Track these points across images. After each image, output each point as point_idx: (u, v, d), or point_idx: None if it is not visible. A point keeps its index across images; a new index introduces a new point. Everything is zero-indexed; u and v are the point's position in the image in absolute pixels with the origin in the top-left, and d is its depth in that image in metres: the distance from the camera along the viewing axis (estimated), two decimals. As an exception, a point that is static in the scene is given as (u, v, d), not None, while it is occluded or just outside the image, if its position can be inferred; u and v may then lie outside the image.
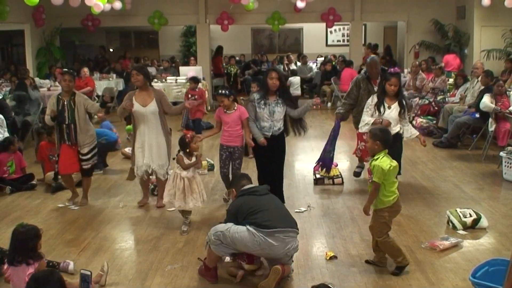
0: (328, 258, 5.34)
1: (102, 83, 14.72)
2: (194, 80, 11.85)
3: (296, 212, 6.64)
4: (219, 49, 18.57)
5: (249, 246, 4.69)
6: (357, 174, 8.17)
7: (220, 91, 6.93)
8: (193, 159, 6.20)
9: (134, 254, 5.59)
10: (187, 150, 6.15)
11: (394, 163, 4.94)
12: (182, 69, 14.96)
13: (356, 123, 7.67)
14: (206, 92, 14.64)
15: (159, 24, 16.70)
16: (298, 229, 4.91)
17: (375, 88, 7.44)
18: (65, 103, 6.83)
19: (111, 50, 21.46)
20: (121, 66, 17.26)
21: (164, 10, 16.51)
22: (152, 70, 16.25)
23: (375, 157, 4.93)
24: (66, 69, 7.33)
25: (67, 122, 6.82)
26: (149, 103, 6.78)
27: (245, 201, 4.94)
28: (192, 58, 17.28)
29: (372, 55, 8.08)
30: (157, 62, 18.67)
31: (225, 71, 17.86)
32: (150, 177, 7.16)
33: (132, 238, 6.05)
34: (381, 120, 6.73)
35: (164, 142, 6.89)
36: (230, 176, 6.84)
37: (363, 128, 6.95)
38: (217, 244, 4.76)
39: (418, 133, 7.16)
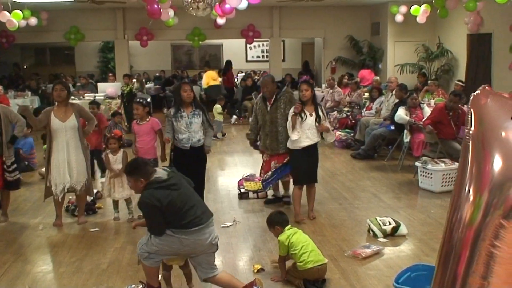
0: (255, 271, 5.38)
1: (17, 101, 14.22)
2: (94, 103, 9.85)
3: (222, 227, 6.66)
4: (229, 63, 18.32)
5: (175, 248, 4.53)
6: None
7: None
8: (119, 154, 6.98)
9: (57, 277, 5.42)
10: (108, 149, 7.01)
11: (295, 233, 5.17)
12: (101, 85, 14.71)
13: (264, 146, 7.34)
14: (122, 109, 14.48)
15: (75, 40, 16.38)
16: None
17: (269, 108, 7.14)
18: None
19: (24, 67, 20.77)
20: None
21: (81, 26, 16.22)
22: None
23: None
24: None
25: None
26: (68, 118, 6.65)
27: (171, 200, 4.41)
28: (110, 74, 17.03)
29: (266, 74, 8.10)
30: (73, 78, 18.24)
31: (121, 92, 15.11)
32: (70, 197, 7.00)
33: (54, 261, 5.86)
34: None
35: (83, 158, 6.78)
36: None
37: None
38: (145, 257, 4.61)
39: (332, 132, 7.26)
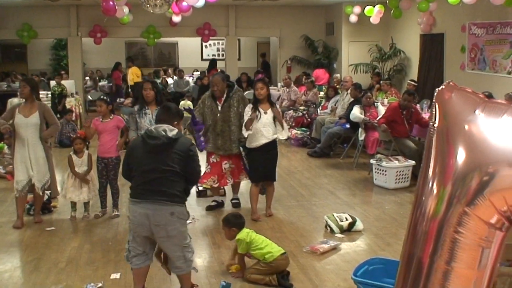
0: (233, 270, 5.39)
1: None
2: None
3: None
4: (213, 62, 18.07)
5: (130, 220, 4.51)
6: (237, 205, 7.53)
7: (101, 96, 7.35)
8: (84, 156, 6.96)
9: (15, 276, 5.32)
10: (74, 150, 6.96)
11: (252, 232, 5.31)
12: (53, 83, 14.39)
13: (215, 147, 7.11)
14: (80, 107, 14.26)
15: (28, 37, 16.02)
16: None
17: (219, 107, 6.98)
18: None
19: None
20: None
21: (33, 23, 15.86)
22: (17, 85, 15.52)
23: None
24: None
25: None
26: (32, 114, 6.60)
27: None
28: (63, 72, 16.73)
29: (216, 73, 7.93)
30: (24, 76, 17.80)
31: (52, 92, 14.25)
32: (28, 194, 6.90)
33: (11, 260, 5.74)
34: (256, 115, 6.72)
35: (43, 156, 6.70)
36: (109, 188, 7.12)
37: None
38: (129, 256, 4.61)
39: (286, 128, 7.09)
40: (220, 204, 7.44)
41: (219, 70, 18.39)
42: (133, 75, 16.43)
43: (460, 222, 2.08)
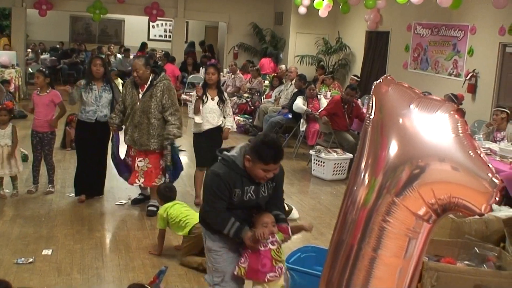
0: None
1: None
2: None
3: (117, 204, 6.64)
4: (143, 44, 17.75)
5: None
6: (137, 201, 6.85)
7: (39, 69, 7.09)
8: (8, 128, 6.58)
9: None
10: None
11: (174, 205, 5.35)
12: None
13: (131, 140, 6.37)
14: (20, 79, 13.85)
15: (-32, 4, 15.41)
16: None
17: (141, 95, 6.23)
18: None
19: None
20: None
21: (-25, -10, 15.28)
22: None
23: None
24: None
25: None
26: None
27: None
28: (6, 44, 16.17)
29: (138, 56, 7.52)
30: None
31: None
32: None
33: None
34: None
35: None
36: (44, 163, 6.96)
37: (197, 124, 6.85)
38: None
39: (232, 127, 6.99)
40: (147, 197, 6.77)
41: (162, 51, 18.26)
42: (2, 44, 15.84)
43: (389, 212, 2.16)
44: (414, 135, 2.18)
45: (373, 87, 2.41)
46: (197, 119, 6.68)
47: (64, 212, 6.39)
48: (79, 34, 21.26)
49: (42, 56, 18.28)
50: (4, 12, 18.81)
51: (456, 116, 2.20)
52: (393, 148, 2.19)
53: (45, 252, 5.21)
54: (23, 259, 4.99)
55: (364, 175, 2.27)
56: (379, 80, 2.41)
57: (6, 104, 6.90)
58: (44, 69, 7.02)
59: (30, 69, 16.09)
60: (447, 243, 4.11)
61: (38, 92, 6.81)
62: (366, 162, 2.28)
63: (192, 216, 5.16)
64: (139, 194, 6.85)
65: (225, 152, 3.59)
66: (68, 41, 20.65)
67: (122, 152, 6.66)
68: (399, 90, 2.32)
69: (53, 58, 18.27)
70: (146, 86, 6.23)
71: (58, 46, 19.45)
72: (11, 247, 5.26)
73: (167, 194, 5.49)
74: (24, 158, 8.04)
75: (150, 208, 6.45)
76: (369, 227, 2.19)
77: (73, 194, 6.82)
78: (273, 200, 3.76)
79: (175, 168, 6.51)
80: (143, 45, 18.43)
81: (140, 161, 6.36)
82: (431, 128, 2.18)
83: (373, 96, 2.36)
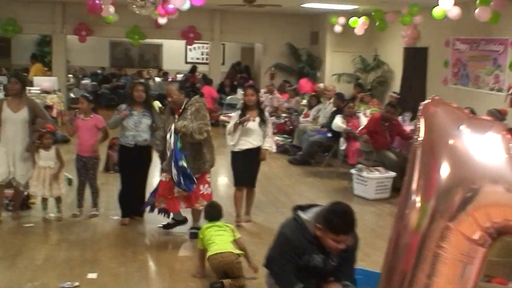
0: None
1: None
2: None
3: (159, 226, 6.67)
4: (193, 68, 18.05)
5: None
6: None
7: (83, 94, 7.23)
8: (52, 150, 6.69)
9: (-10, 272, 5.29)
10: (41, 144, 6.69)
11: (212, 226, 5.30)
12: (37, 79, 14.29)
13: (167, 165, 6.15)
14: (62, 104, 14.14)
15: (12, 32, 15.86)
16: None
17: (176, 121, 6.16)
18: None
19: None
20: None
21: (18, 18, 15.71)
22: (2, 79, 15.36)
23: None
24: None
25: None
26: (20, 109, 6.55)
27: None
28: (46, 68, 16.62)
29: (171, 81, 7.50)
30: (7, 71, 17.65)
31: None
32: (6, 190, 6.82)
33: (-13, 256, 5.72)
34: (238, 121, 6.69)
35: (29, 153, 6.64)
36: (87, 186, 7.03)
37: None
38: None
39: (271, 147, 6.97)
40: (180, 222, 6.62)
41: (199, 75, 18.47)
42: (37, 71, 16.11)
43: (443, 237, 2.11)
44: (465, 156, 2.14)
45: (420, 108, 2.38)
46: (229, 140, 6.75)
47: (108, 235, 6.46)
48: (118, 59, 21.66)
49: (83, 81, 18.68)
50: (45, 38, 19.32)
51: (508, 136, 2.15)
52: (445, 170, 2.15)
53: (90, 275, 5.26)
54: (68, 283, 5.03)
55: (415, 198, 2.23)
56: (427, 101, 2.38)
57: (49, 127, 7.04)
58: (88, 95, 7.16)
59: (71, 94, 16.44)
60: (498, 263, 4.01)
61: (81, 117, 6.93)
62: (417, 184, 2.24)
63: (218, 243, 5.08)
64: (171, 219, 6.66)
65: (299, 212, 3.48)
66: (109, 66, 21.06)
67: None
68: (448, 111, 2.28)
69: (94, 83, 18.65)
70: (180, 111, 6.23)
71: (99, 71, 19.89)
72: (57, 271, 5.33)
73: (209, 211, 5.48)
74: (69, 182, 8.18)
75: (192, 230, 6.43)
76: (423, 253, 2.14)
77: (117, 217, 6.90)
78: (342, 268, 3.60)
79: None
80: (194, 68, 18.63)
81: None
82: (483, 149, 2.14)
83: (421, 117, 2.33)
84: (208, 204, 5.75)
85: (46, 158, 6.71)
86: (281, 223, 3.48)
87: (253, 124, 6.72)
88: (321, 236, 3.33)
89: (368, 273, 4.56)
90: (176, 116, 6.23)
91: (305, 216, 3.44)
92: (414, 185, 2.25)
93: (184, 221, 6.59)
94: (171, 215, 6.54)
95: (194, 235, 6.29)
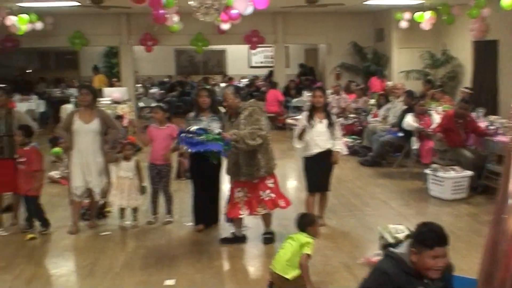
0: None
1: (23, 105, 14.18)
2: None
3: (233, 232, 6.65)
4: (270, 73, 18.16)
5: None
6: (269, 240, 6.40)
7: (158, 104, 7.22)
8: (132, 162, 6.84)
9: (70, 280, 5.41)
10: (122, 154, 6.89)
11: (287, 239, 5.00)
12: (107, 90, 14.67)
13: (227, 170, 6.28)
14: (133, 113, 14.43)
15: (80, 44, 16.38)
16: None
17: (232, 125, 6.08)
18: (1, 116, 6.76)
19: (28, 71, 20.67)
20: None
21: (85, 31, 16.22)
22: (73, 91, 15.88)
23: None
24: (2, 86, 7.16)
25: (1, 134, 6.70)
26: (92, 120, 6.69)
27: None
28: (115, 79, 17.05)
29: (228, 85, 7.38)
30: (77, 83, 18.23)
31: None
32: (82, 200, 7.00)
33: (67, 264, 5.86)
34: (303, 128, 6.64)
35: (102, 162, 6.78)
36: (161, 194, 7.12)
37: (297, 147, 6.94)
38: None
39: (342, 150, 6.81)
40: (239, 239, 6.43)
41: (270, 80, 18.49)
42: (100, 82, 16.42)
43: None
44: None
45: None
46: (296, 145, 6.70)
47: (183, 241, 6.50)
48: (184, 66, 22.02)
49: (151, 91, 19.05)
50: (112, 50, 19.84)
51: None
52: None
53: (167, 282, 5.29)
54: (147, 290, 5.10)
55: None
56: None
57: (130, 139, 7.17)
58: (162, 105, 7.26)
59: (140, 104, 16.78)
60: None
61: (156, 126, 7.01)
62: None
63: (276, 257, 4.90)
64: (231, 233, 6.47)
65: (392, 249, 3.45)
66: (175, 74, 21.41)
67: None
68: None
69: (162, 91, 18.99)
70: (235, 115, 6.13)
71: (166, 79, 20.24)
72: (135, 278, 5.39)
73: (296, 218, 5.10)
74: (143, 190, 8.29)
75: (265, 236, 6.39)
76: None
77: (191, 223, 6.94)
78: None
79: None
80: (270, 73, 18.71)
81: (239, 191, 6.17)
82: None
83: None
84: (300, 213, 5.37)
85: (126, 169, 6.86)
86: (375, 264, 3.46)
87: (321, 126, 6.62)
88: (418, 260, 3.28)
89: (453, 278, 4.37)
90: (233, 120, 6.12)
91: (398, 250, 3.40)
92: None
93: (243, 238, 6.43)
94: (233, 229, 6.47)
95: (267, 240, 6.29)
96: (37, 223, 6.75)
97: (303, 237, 4.85)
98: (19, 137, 6.48)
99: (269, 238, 6.35)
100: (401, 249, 3.40)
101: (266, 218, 6.37)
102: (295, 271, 4.74)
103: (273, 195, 6.17)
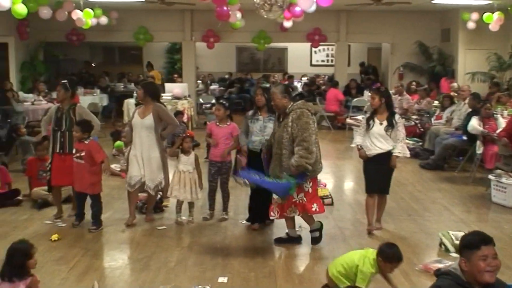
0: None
1: (86, 98, 14.54)
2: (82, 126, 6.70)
3: (286, 232, 6.60)
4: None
5: None
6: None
7: (221, 101, 7.25)
8: (191, 156, 6.85)
9: (125, 273, 5.46)
10: (180, 148, 6.85)
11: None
12: (168, 86, 14.87)
13: (271, 171, 6.05)
14: (192, 109, 14.56)
15: (144, 40, 16.66)
16: None
17: (278, 125, 6.01)
18: (64, 111, 6.92)
19: (93, 65, 21.18)
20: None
21: (149, 27, 16.50)
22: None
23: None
24: (63, 81, 7.28)
25: (62, 129, 6.83)
26: (146, 115, 6.78)
27: None
28: (176, 75, 17.27)
29: (276, 84, 7.31)
30: (142, 78, 18.52)
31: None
32: (140, 194, 7.09)
33: (122, 257, 5.92)
34: (360, 148, 6.59)
35: (157, 157, 6.82)
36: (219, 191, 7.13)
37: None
38: None
39: (402, 153, 6.51)
40: (293, 239, 6.34)
41: (325, 77, 18.34)
42: (155, 78, 16.44)
43: None
44: None
45: None
46: (353, 143, 6.69)
47: (238, 239, 6.49)
48: (245, 64, 22.07)
49: (211, 87, 19.19)
50: (175, 46, 20.10)
51: None
52: None
53: (221, 279, 5.27)
54: (200, 286, 5.08)
55: None
56: None
57: (189, 133, 7.20)
58: (224, 102, 7.19)
59: (200, 100, 16.95)
60: None
61: (217, 123, 7.01)
62: None
63: (333, 265, 4.75)
64: (286, 233, 6.39)
65: (444, 269, 3.51)
66: (235, 71, 21.51)
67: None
68: None
69: (222, 88, 19.10)
70: (283, 116, 5.95)
71: (226, 76, 20.36)
72: (189, 274, 5.40)
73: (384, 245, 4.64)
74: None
75: (313, 235, 6.25)
76: None
77: (245, 221, 6.94)
78: None
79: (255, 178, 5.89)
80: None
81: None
82: None
83: None
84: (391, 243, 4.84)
85: (186, 162, 6.87)
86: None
87: (380, 128, 6.47)
88: (469, 268, 3.31)
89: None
90: (281, 121, 5.98)
91: (452, 267, 3.47)
92: None
93: (298, 238, 6.34)
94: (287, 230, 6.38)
95: (314, 241, 6.22)
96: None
97: (371, 260, 4.53)
98: (76, 133, 6.59)
99: (315, 238, 6.22)
100: (454, 266, 3.42)
101: (307, 218, 6.16)
102: (347, 283, 4.57)
103: (305, 199, 5.97)
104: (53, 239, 6.20)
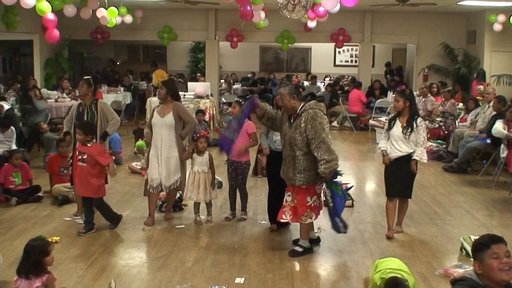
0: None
1: (110, 96, 14.64)
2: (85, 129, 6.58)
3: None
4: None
5: None
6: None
7: (237, 99, 7.18)
8: (205, 156, 6.83)
9: (142, 272, 5.47)
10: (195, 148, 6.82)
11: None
12: (191, 84, 14.89)
13: (282, 173, 6.01)
14: (214, 108, 14.54)
15: (168, 39, 16.72)
16: None
17: (289, 126, 5.80)
18: (86, 106, 7.01)
19: (118, 63, 21.34)
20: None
21: (173, 25, 16.54)
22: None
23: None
24: (86, 77, 7.38)
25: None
26: (166, 115, 6.78)
27: None
28: (198, 74, 17.27)
29: (283, 84, 7.19)
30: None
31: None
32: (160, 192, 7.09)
33: (140, 255, 5.94)
34: (385, 154, 6.53)
35: (176, 157, 6.82)
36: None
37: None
38: None
39: (420, 158, 6.40)
40: (312, 241, 6.17)
41: (349, 77, 18.17)
42: (158, 77, 16.36)
43: None
44: None
45: None
46: (378, 149, 6.63)
47: (256, 240, 6.45)
48: (268, 63, 22.04)
49: (234, 86, 19.18)
50: (199, 45, 20.14)
51: None
52: None
53: (237, 280, 5.26)
54: (216, 287, 5.07)
55: None
56: None
57: (203, 133, 7.19)
58: (240, 100, 7.25)
59: (223, 99, 16.95)
60: None
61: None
62: None
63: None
64: (298, 245, 6.09)
65: (459, 276, 3.59)
66: (258, 71, 21.48)
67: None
68: None
69: (244, 87, 19.08)
70: (294, 117, 5.78)
71: (249, 75, 20.35)
72: (206, 274, 5.39)
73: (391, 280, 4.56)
74: (219, 185, 8.28)
75: (295, 248, 6.00)
76: None
77: (264, 222, 6.90)
78: None
79: (335, 207, 5.81)
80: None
81: (289, 195, 5.89)
82: None
83: None
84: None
85: (200, 163, 6.84)
86: None
87: (399, 131, 6.40)
88: (483, 269, 3.31)
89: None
90: (292, 121, 5.81)
91: (467, 273, 3.48)
92: None
93: (316, 240, 6.27)
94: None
95: (293, 253, 5.94)
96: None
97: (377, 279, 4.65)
98: (79, 135, 6.46)
99: (295, 252, 5.95)
100: (469, 272, 3.44)
101: (303, 229, 5.99)
102: None
103: (318, 201, 5.91)
104: (53, 241, 6.02)
